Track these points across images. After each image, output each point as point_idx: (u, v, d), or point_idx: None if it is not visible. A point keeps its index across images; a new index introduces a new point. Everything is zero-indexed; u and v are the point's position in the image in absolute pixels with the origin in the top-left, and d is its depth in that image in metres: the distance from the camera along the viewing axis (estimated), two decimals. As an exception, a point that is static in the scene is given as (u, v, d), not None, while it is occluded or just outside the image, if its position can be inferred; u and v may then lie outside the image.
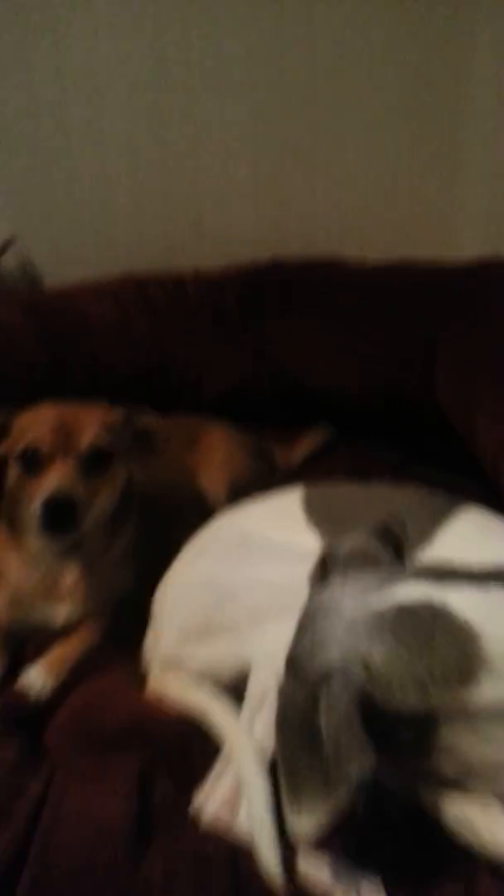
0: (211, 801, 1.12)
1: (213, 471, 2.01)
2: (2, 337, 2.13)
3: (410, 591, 1.01)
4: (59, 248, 2.66)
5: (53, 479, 1.48)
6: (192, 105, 2.48)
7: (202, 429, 2.12)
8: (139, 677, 1.45)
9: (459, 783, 0.99)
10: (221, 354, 2.38)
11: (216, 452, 2.05)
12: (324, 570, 1.15)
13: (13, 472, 1.55)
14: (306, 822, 0.87)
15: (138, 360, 2.33)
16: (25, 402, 1.63)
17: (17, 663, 1.56)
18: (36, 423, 1.54)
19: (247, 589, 1.32)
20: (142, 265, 2.51)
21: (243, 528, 1.49)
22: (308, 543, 1.35)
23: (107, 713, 1.35)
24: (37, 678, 1.49)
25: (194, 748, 1.22)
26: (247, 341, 2.38)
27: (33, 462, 1.52)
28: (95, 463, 1.53)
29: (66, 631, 1.62)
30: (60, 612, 1.63)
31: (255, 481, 2.01)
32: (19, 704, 1.43)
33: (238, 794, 1.10)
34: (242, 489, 1.94)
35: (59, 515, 1.47)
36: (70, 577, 1.63)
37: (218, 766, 1.17)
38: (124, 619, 1.63)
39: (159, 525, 1.76)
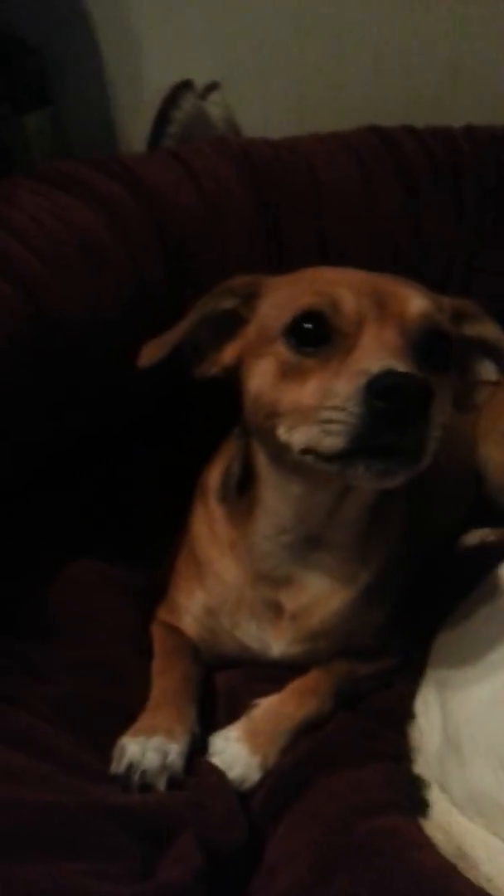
0: None
1: (492, 442, 1.35)
2: (211, 192, 1.46)
3: None
4: (269, 104, 2.00)
5: (376, 350, 0.80)
6: None
7: None
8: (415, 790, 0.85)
9: None
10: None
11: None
12: None
13: (263, 371, 0.89)
14: None
15: (383, 242, 1.63)
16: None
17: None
18: (317, 285, 0.89)
19: None
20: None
21: None
22: None
23: (375, 873, 0.76)
24: (234, 754, 0.96)
25: None
26: None
27: (320, 337, 0.85)
28: (430, 354, 0.86)
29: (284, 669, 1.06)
30: (273, 641, 1.06)
31: None
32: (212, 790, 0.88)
33: None
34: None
35: (405, 405, 0.77)
36: (307, 582, 1.03)
37: None
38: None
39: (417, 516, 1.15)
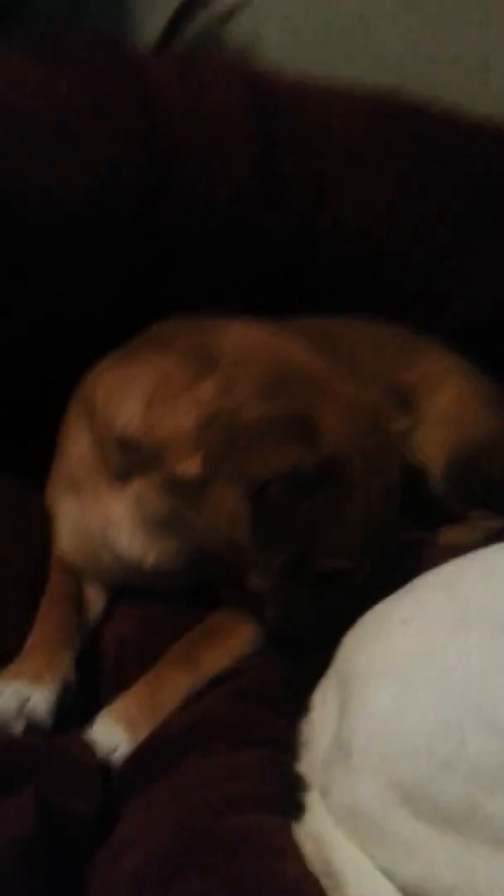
0: None
1: (429, 423, 1.27)
2: (211, 106, 1.35)
3: None
4: (302, 40, 1.80)
5: None
6: None
7: (423, 353, 1.37)
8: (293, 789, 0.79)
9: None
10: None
11: (440, 394, 1.31)
12: None
13: None
14: None
15: (381, 204, 1.52)
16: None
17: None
18: None
19: None
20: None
21: None
22: None
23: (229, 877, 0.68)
24: (103, 728, 0.88)
25: None
26: None
27: None
28: None
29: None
30: (148, 549, 1.01)
31: (494, 452, 1.29)
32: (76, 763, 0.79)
33: None
34: (472, 462, 1.26)
35: None
36: None
37: None
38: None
39: None
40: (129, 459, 0.97)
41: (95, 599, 1.03)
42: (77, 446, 1.03)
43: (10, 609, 0.96)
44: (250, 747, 0.83)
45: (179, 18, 1.53)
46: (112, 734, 0.86)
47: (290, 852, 0.73)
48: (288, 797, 0.79)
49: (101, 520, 1.00)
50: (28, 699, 0.84)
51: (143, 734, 0.87)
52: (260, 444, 0.89)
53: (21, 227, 1.09)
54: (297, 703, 0.88)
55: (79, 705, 0.90)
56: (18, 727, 0.82)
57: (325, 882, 0.72)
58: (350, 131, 1.56)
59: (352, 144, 1.55)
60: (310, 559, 0.93)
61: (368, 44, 1.83)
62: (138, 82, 1.30)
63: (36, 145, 1.11)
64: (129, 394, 0.98)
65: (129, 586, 1.05)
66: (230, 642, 0.97)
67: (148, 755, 0.83)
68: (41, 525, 1.05)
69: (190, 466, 0.92)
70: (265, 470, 0.87)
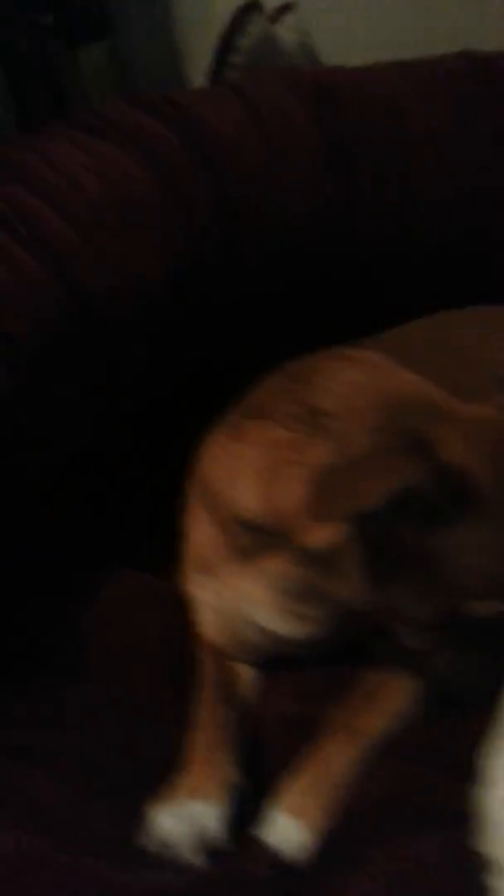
0: None
1: None
2: (277, 135, 1.29)
3: None
4: (349, 30, 1.75)
5: None
6: None
7: None
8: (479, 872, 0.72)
9: None
10: None
11: None
12: None
13: None
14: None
15: (475, 199, 1.41)
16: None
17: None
18: None
19: None
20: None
21: None
22: None
23: None
24: (282, 829, 0.82)
25: None
26: None
27: None
28: None
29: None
30: (284, 625, 0.96)
31: None
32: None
33: None
34: None
35: None
36: None
37: None
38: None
39: None
40: (254, 538, 0.92)
41: (248, 679, 1.00)
42: (200, 528, 1.00)
43: (165, 706, 0.95)
44: (424, 829, 0.78)
45: (227, 44, 1.48)
46: (292, 834, 0.80)
47: None
48: (472, 884, 0.74)
49: (237, 599, 0.97)
50: (198, 819, 0.81)
51: (323, 824, 0.81)
52: (365, 472, 0.78)
53: (109, 323, 1.09)
54: (467, 764, 0.82)
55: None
56: (192, 852, 0.79)
57: None
58: (429, 104, 1.45)
59: (434, 122, 1.43)
60: (461, 606, 0.86)
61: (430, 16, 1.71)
62: (195, 131, 1.26)
63: (106, 239, 1.10)
64: (241, 473, 0.92)
65: (278, 659, 1.02)
66: (389, 703, 0.91)
67: (325, 856, 0.78)
68: (179, 613, 1.04)
69: (318, 537, 0.84)
70: (374, 496, 0.74)
